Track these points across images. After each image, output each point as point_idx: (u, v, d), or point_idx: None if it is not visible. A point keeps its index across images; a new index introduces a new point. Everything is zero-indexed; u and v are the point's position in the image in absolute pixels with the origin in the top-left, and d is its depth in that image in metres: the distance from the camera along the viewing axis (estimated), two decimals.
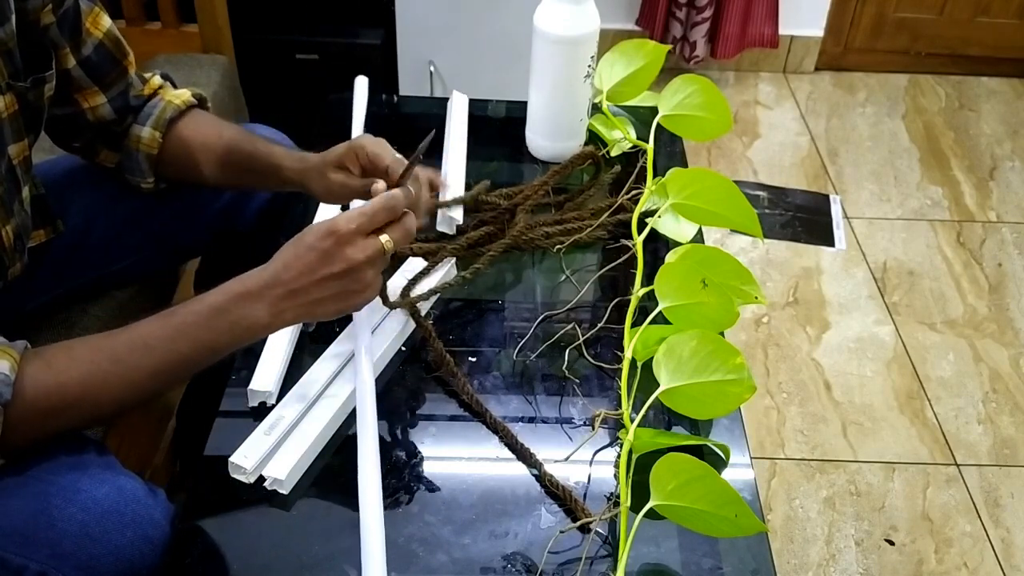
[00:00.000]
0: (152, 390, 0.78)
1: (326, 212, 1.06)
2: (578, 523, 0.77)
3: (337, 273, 0.77)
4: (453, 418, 0.88)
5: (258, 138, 1.02)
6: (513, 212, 1.07)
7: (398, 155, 0.92)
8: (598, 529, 0.77)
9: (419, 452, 0.84)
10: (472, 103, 1.24)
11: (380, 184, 0.84)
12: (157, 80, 1.04)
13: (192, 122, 1.03)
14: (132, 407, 0.79)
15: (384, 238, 0.78)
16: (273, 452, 0.80)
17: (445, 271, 1.00)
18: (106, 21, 0.96)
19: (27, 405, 0.72)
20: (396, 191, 0.80)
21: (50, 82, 0.89)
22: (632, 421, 0.81)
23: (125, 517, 0.74)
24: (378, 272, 0.80)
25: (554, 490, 0.80)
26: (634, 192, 1.10)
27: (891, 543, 1.53)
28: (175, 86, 1.06)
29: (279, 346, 0.90)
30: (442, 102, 1.25)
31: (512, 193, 1.10)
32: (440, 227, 1.04)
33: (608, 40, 1.17)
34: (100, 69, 0.96)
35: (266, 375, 0.87)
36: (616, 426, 0.86)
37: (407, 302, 0.94)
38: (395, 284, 0.97)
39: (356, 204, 1.06)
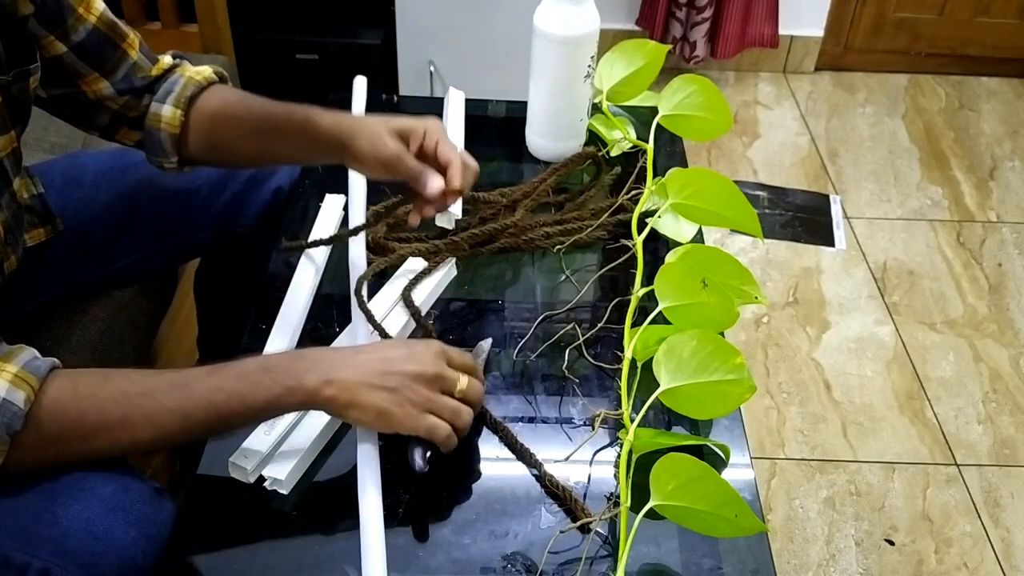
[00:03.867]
0: (173, 436, 0.74)
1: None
2: (578, 523, 0.76)
3: (410, 372, 0.76)
4: None
5: (288, 103, 0.97)
6: (513, 210, 1.07)
7: (466, 157, 0.91)
8: (598, 529, 0.77)
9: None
10: (472, 103, 1.23)
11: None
12: (168, 60, 0.99)
13: (216, 97, 0.98)
14: (145, 452, 0.76)
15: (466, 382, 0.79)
16: (273, 452, 0.80)
17: (445, 271, 1.00)
18: (99, 5, 0.92)
19: (39, 429, 0.70)
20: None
21: (35, 74, 0.87)
22: (632, 421, 0.81)
23: (130, 515, 0.74)
24: (439, 398, 0.78)
25: (554, 490, 0.79)
26: (634, 192, 1.10)
27: (891, 543, 1.53)
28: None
29: (279, 346, 0.90)
30: (442, 102, 1.25)
31: (511, 192, 1.10)
32: (439, 223, 1.04)
33: (608, 40, 1.17)
34: (97, 54, 0.92)
35: None
36: (616, 426, 0.86)
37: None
38: (396, 284, 0.97)
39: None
